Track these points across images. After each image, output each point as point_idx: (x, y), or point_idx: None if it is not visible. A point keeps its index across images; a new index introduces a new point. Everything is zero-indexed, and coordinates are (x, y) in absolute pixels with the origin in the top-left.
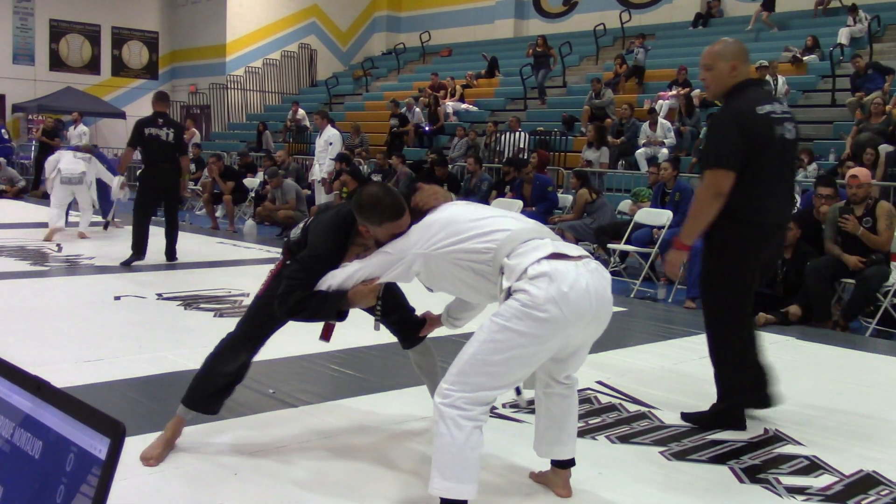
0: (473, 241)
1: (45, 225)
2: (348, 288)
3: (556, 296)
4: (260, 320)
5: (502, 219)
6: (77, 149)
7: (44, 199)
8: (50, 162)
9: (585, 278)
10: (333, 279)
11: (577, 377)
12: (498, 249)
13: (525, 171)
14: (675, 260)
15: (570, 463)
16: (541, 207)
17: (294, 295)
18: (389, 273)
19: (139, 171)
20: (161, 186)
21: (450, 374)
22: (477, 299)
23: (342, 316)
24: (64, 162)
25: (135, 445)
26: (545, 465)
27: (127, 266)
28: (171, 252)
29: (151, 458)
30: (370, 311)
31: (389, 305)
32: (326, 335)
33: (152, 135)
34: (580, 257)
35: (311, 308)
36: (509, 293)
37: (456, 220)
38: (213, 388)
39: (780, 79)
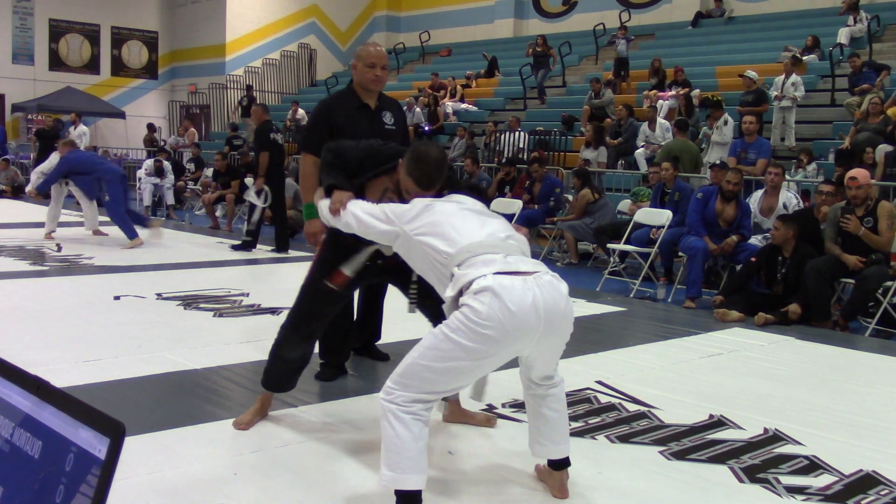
0: (437, 238)
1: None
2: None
3: (498, 312)
4: (306, 308)
5: (470, 227)
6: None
7: (45, 198)
8: None
9: (533, 293)
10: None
11: (562, 376)
12: (453, 256)
13: (534, 168)
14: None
15: (565, 463)
16: (544, 206)
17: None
18: (375, 226)
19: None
20: (276, 183)
21: (394, 373)
22: (442, 294)
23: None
24: None
25: (134, 445)
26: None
27: (237, 250)
28: (282, 244)
29: (242, 423)
30: (406, 293)
31: (424, 291)
32: (336, 280)
33: (275, 139)
34: (532, 272)
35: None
36: (455, 305)
37: (443, 211)
38: (285, 373)
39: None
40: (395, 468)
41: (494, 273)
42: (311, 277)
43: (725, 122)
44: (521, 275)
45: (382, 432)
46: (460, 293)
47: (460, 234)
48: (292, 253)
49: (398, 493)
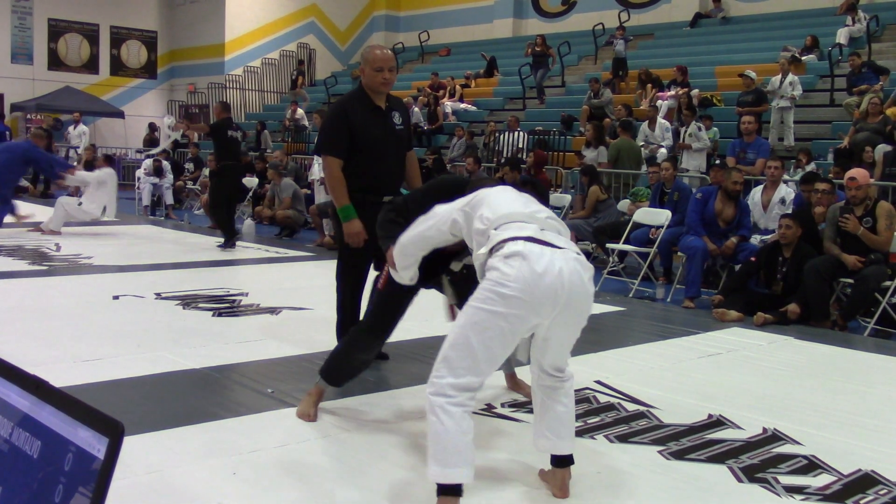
0: (484, 207)
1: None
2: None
3: (526, 274)
4: (384, 315)
5: (516, 203)
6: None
7: (41, 198)
8: None
9: (560, 263)
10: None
11: (572, 372)
12: (493, 221)
13: (505, 171)
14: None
15: (567, 461)
16: None
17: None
18: (432, 227)
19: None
20: (235, 182)
21: (436, 363)
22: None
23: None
24: None
25: (134, 445)
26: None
27: (224, 248)
28: (229, 238)
29: (307, 415)
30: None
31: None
32: (383, 284)
33: (233, 136)
34: (562, 248)
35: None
36: (484, 266)
37: (495, 190)
38: (348, 371)
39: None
40: (446, 463)
41: (526, 239)
42: (387, 288)
43: (700, 129)
44: (551, 247)
45: (430, 427)
46: (490, 253)
47: (504, 204)
48: (288, 252)
49: (442, 486)
